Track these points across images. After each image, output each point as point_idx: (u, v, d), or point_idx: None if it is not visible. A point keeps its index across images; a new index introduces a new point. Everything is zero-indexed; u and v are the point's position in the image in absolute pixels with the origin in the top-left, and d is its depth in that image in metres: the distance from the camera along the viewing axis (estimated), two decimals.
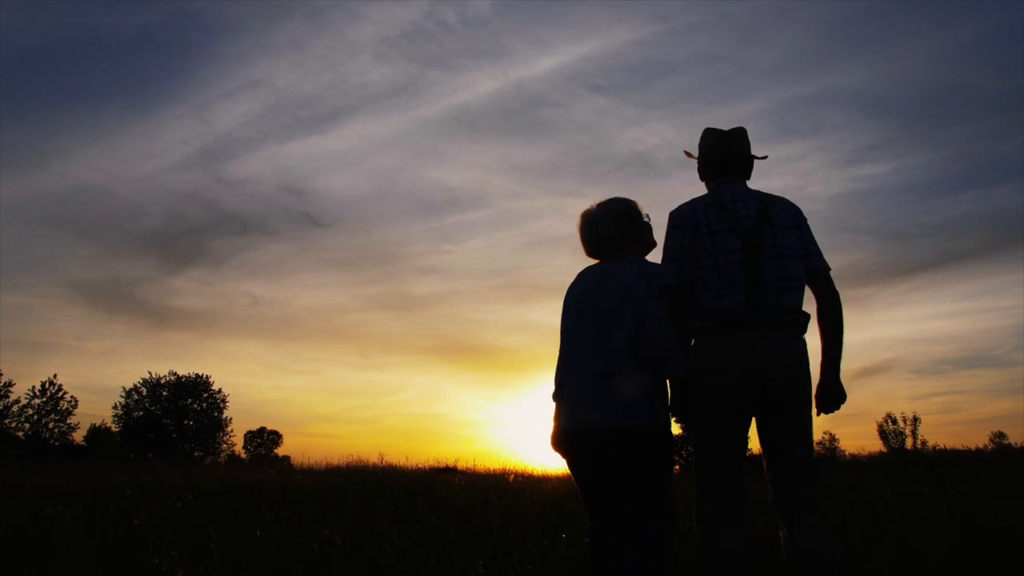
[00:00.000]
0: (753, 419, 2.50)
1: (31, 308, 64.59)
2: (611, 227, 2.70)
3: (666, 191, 71.01)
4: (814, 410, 2.48)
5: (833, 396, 2.48)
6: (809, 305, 2.58)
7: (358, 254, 73.18)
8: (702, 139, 2.77)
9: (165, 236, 70.15)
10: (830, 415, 2.53)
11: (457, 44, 66.73)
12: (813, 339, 2.56)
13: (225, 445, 49.79)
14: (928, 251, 65.49)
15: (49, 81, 66.06)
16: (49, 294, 65.98)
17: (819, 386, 2.49)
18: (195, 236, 70.43)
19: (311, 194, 72.30)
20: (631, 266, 2.62)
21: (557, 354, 2.73)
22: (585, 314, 2.60)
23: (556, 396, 2.68)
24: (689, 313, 2.53)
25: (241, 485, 6.61)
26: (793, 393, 2.41)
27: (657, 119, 70.44)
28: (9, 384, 41.55)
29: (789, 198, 2.66)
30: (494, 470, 12.99)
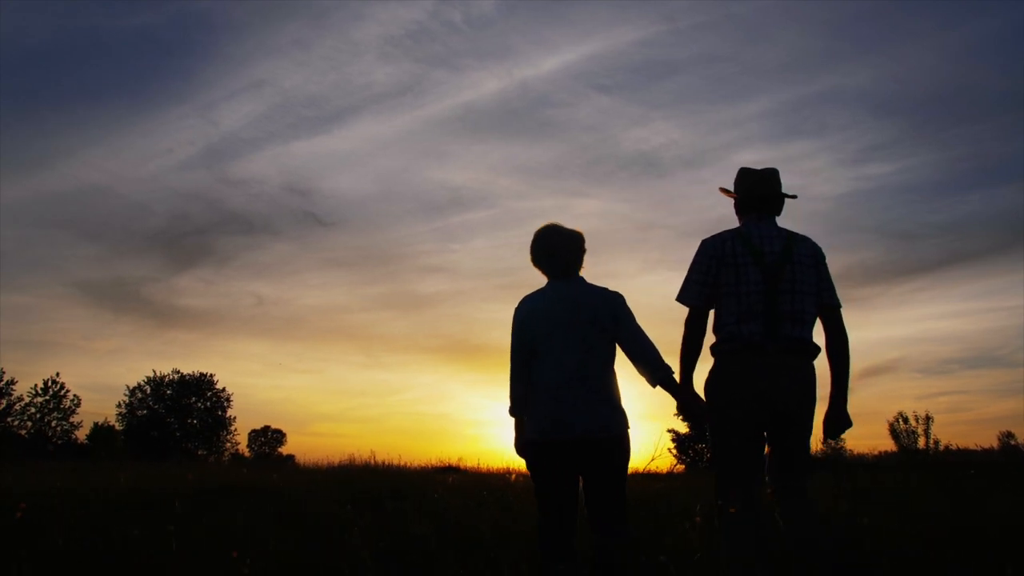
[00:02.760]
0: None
1: (36, 308, 64.36)
2: (582, 251, 2.88)
3: (670, 190, 70.23)
4: (819, 432, 2.78)
5: (839, 424, 2.77)
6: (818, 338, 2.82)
7: (363, 254, 72.60)
8: (737, 178, 2.99)
9: (170, 236, 69.65)
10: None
11: (462, 44, 65.79)
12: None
13: (229, 444, 49.42)
14: (934, 251, 64.39)
15: (52, 82, 65.45)
16: (54, 294, 65.54)
17: (827, 414, 2.77)
18: (200, 236, 69.91)
19: (316, 194, 71.68)
20: (593, 287, 2.83)
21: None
22: (558, 331, 2.71)
23: (517, 411, 2.78)
24: (702, 333, 2.82)
25: (203, 485, 6.03)
26: (800, 411, 2.69)
27: (662, 118, 69.31)
28: (11, 382, 41.19)
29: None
30: (497, 469, 12.50)
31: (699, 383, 2.81)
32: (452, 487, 6.84)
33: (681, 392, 2.75)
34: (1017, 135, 60.24)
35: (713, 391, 2.77)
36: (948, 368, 60.84)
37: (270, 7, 63.82)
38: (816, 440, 2.91)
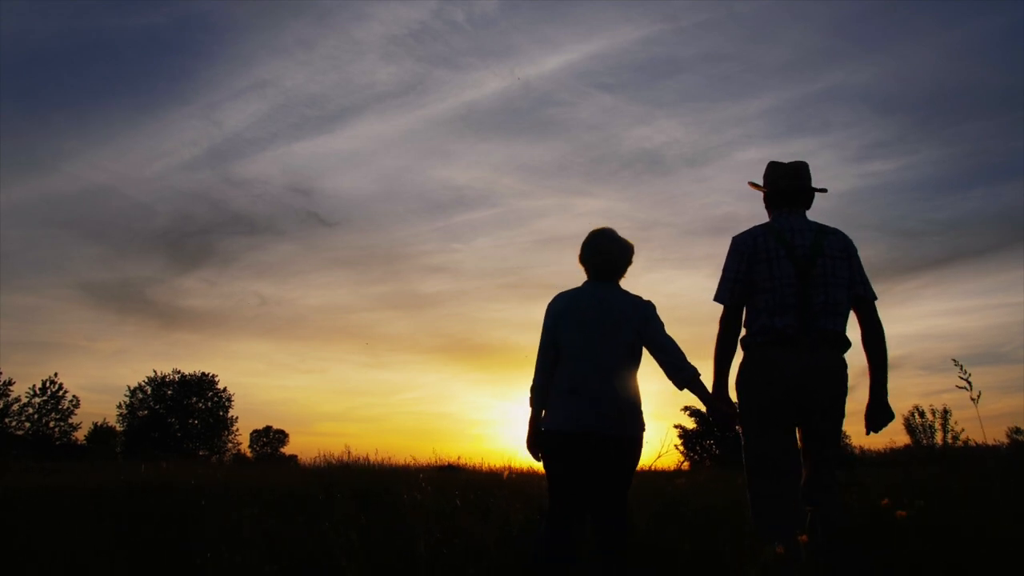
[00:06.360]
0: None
1: (41, 309, 64.28)
2: (630, 262, 2.90)
3: (673, 188, 69.62)
4: (864, 428, 2.76)
5: (881, 416, 2.74)
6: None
7: (366, 253, 72.20)
8: (766, 172, 2.98)
9: (173, 236, 69.58)
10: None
11: (464, 43, 65.29)
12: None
13: (230, 444, 48.86)
14: (937, 248, 63.50)
15: (57, 83, 65.55)
16: (59, 295, 65.62)
17: (868, 407, 2.75)
18: (203, 236, 69.77)
19: (319, 194, 71.38)
20: (627, 294, 2.86)
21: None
22: (587, 331, 2.74)
23: (537, 401, 2.81)
24: (736, 330, 2.83)
25: (112, 485, 5.11)
26: (832, 404, 2.67)
27: (665, 117, 68.71)
28: (9, 383, 40.67)
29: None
30: (495, 467, 11.64)
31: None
32: (426, 487, 5.84)
33: (711, 394, 2.72)
34: (1019, 132, 59.46)
35: (745, 384, 2.78)
36: (951, 365, 59.70)
37: (273, 7, 63.46)
38: (859, 434, 2.82)
